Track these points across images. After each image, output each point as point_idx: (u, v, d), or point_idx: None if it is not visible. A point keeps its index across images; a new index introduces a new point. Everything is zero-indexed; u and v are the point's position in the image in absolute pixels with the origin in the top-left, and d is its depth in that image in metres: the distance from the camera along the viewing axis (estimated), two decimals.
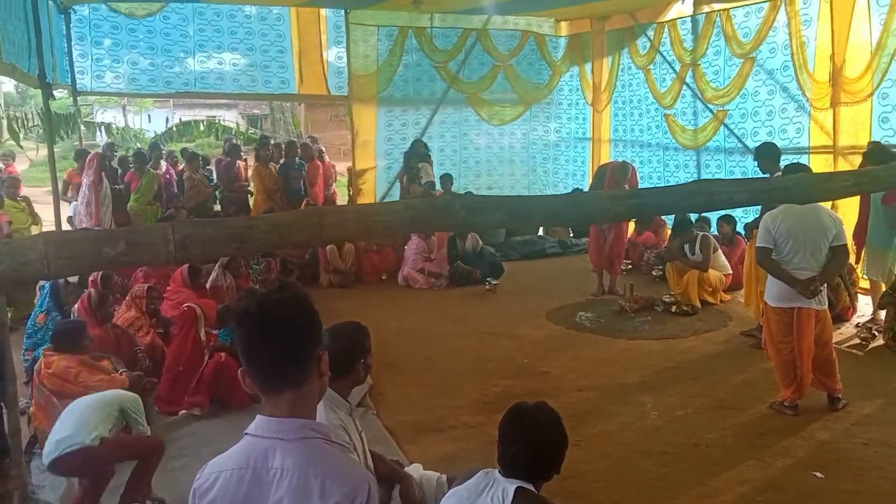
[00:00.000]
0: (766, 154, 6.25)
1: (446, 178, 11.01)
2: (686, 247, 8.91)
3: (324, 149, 13.15)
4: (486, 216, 1.72)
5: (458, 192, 11.06)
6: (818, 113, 8.66)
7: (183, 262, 4.68)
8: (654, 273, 9.68)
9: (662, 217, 10.48)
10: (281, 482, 1.65)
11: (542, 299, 8.84)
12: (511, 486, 2.32)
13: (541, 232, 12.49)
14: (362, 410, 5.64)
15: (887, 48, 7.57)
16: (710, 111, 10.31)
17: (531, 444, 2.38)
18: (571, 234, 12.19)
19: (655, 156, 11.52)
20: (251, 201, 11.54)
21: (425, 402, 5.81)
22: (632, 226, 10.37)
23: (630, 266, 9.93)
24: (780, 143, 8.71)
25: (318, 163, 12.12)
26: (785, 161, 6.15)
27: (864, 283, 7.91)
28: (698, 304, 8.48)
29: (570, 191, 12.44)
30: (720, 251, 8.93)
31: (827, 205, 7.36)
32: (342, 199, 13.43)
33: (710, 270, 8.66)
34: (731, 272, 8.75)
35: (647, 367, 6.55)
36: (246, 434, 1.71)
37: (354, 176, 11.82)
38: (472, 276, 9.85)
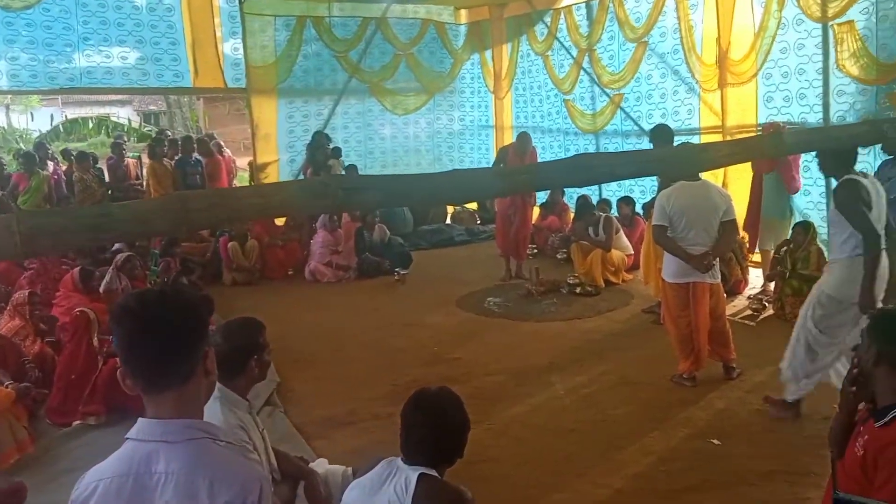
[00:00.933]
0: (660, 135, 6.35)
1: (351, 170, 10.90)
2: (590, 229, 9.13)
3: (223, 143, 12.77)
4: (365, 196, 1.67)
5: None
6: (707, 94, 8.99)
7: (29, 255, 4.36)
8: (558, 256, 9.85)
9: (565, 202, 10.70)
10: (166, 487, 1.58)
11: (452, 287, 8.88)
12: (414, 473, 2.30)
13: (448, 220, 12.55)
14: (270, 409, 5.53)
15: (768, 30, 7.91)
16: (607, 95, 10.56)
17: (433, 429, 2.34)
18: (479, 222, 12.28)
19: (556, 141, 11.72)
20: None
21: (336, 397, 5.75)
22: (536, 210, 10.50)
23: (536, 250, 10.05)
24: (673, 125, 9.00)
25: (219, 157, 11.79)
26: (678, 142, 6.33)
27: (756, 258, 8.22)
28: (602, 284, 8.70)
29: None
30: (622, 232, 9.15)
31: (718, 182, 7.75)
32: None
33: (613, 251, 8.88)
34: (632, 252, 9.00)
35: (554, 348, 6.66)
36: (127, 439, 1.63)
37: (256, 170, 11.54)
38: (380, 268, 9.81)
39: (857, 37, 7.15)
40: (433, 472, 2.33)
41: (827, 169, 4.80)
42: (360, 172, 11.03)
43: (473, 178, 2.38)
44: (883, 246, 4.52)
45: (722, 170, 8.53)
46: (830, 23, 7.40)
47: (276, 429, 5.04)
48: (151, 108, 33.58)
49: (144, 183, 11.21)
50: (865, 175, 4.65)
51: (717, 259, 5.52)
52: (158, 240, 9.54)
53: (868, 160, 7.25)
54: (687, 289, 5.49)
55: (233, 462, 1.65)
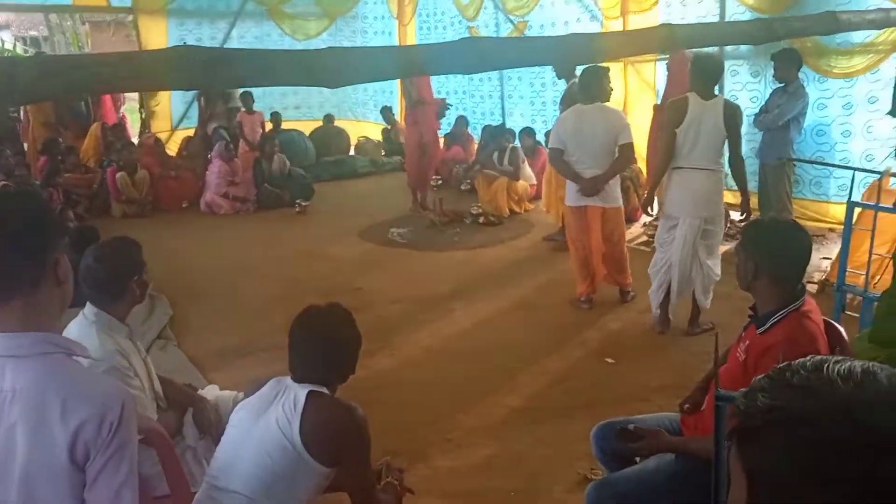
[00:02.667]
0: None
1: (246, 97, 10.49)
2: (495, 156, 9.14)
3: None
4: (228, 70, 1.52)
5: (261, 111, 10.62)
6: (609, 22, 9.00)
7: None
8: (462, 187, 9.87)
9: (469, 132, 10.64)
10: (13, 406, 1.44)
11: (355, 218, 8.79)
12: (303, 390, 2.22)
13: (352, 151, 12.31)
14: (163, 342, 5.37)
15: None
16: (512, 23, 10.44)
17: (321, 344, 2.25)
18: (383, 153, 12.10)
19: None
20: (28, 131, 10.30)
21: (233, 328, 5.62)
22: (441, 141, 10.40)
23: (440, 181, 10.02)
24: None
25: None
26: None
27: None
28: (507, 212, 8.76)
29: (379, 110, 12.26)
30: (526, 162, 9.18)
31: (620, 107, 7.81)
32: (134, 122, 12.40)
33: (518, 180, 8.89)
34: (535, 182, 9.06)
35: (457, 276, 6.71)
36: None
37: (146, 96, 10.93)
38: (280, 199, 9.56)
39: None
40: (324, 390, 2.26)
41: (696, 88, 4.93)
42: (257, 100, 10.66)
43: (356, 57, 2.24)
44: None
45: (622, 98, 8.62)
46: None
47: (170, 361, 4.89)
48: (32, 32, 31.15)
49: (22, 111, 10.38)
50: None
51: (617, 184, 5.58)
52: (40, 170, 9.00)
53: (759, 88, 7.46)
54: (584, 212, 5.56)
55: (90, 379, 1.53)
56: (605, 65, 5.50)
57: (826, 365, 0.82)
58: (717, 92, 5.05)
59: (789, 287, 2.43)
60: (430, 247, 7.74)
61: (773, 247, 2.46)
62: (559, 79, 7.45)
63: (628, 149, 5.48)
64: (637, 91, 8.65)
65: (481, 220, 8.45)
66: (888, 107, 6.38)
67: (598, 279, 5.73)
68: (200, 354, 5.17)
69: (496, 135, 9.42)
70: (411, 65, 2.04)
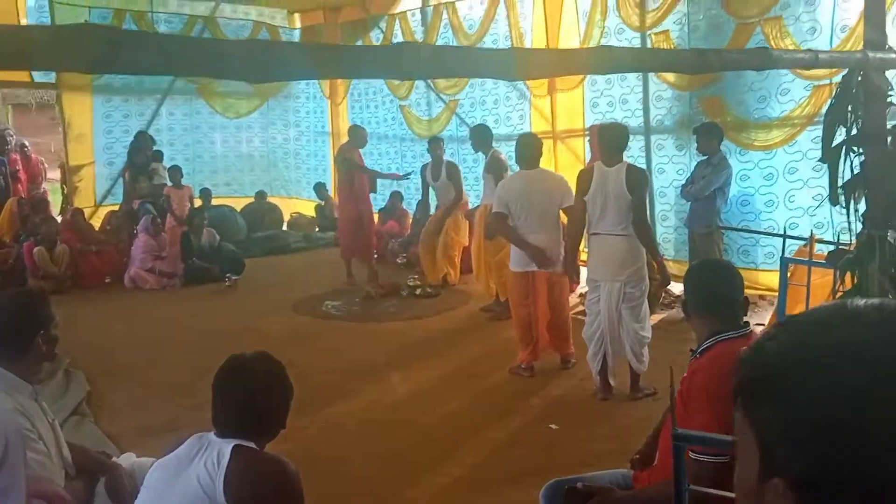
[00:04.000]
0: (478, 135, 7.29)
1: (175, 171, 10.25)
2: (429, 172, 8.74)
3: (27, 143, 11.53)
4: (135, 54, 1.38)
5: (190, 186, 10.42)
6: (538, 100, 9.23)
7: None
8: (398, 261, 9.82)
9: (404, 207, 10.72)
10: None
11: (288, 292, 8.55)
12: (227, 445, 2.01)
13: (284, 227, 12.14)
14: (78, 419, 4.99)
15: (592, 38, 8.24)
16: (443, 101, 10.62)
17: (248, 395, 2.09)
18: (317, 229, 11.95)
19: (393, 147, 11.65)
20: None
21: (156, 404, 5.30)
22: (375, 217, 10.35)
23: (376, 255, 9.88)
24: (505, 130, 9.33)
25: (16, 156, 10.60)
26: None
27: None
28: (450, 273, 8.67)
29: (312, 186, 12.21)
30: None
31: (553, 168, 7.91)
32: (56, 202, 11.96)
33: (452, 236, 8.67)
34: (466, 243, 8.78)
35: (393, 347, 6.56)
36: None
37: (69, 172, 10.58)
38: (209, 274, 9.25)
39: (672, 45, 7.57)
40: (251, 444, 2.05)
41: (601, 156, 5.14)
42: (187, 176, 10.48)
43: (278, 50, 2.13)
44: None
45: (552, 159, 8.72)
46: (648, 32, 7.80)
47: (85, 438, 4.51)
48: None
49: None
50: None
51: (561, 248, 5.55)
52: None
53: (685, 161, 7.69)
54: (527, 278, 5.52)
55: None
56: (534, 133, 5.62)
57: (848, 302, 0.69)
58: (624, 159, 5.15)
59: (718, 318, 2.46)
60: (366, 319, 7.57)
61: (695, 282, 2.63)
62: (476, 151, 7.60)
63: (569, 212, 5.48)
64: (568, 165, 8.81)
65: (418, 291, 8.35)
66: (807, 176, 6.64)
67: (541, 346, 5.66)
68: (120, 431, 4.84)
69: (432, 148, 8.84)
70: (336, 63, 1.94)
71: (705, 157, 6.84)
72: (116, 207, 10.35)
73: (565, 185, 5.55)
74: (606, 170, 4.92)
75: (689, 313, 2.61)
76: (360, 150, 8.78)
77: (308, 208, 12.51)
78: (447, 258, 8.70)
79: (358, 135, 8.77)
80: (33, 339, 2.38)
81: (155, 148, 10.46)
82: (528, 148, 5.57)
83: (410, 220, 10.40)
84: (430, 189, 8.63)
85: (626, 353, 4.99)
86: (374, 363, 6.10)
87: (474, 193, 9.35)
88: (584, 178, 4.99)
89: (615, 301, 4.90)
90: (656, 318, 6.62)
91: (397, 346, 6.59)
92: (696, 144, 6.90)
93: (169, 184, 10.11)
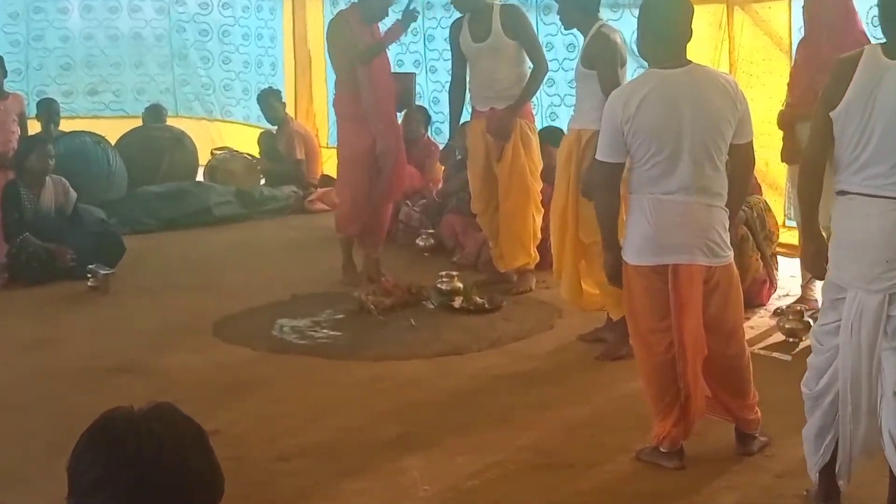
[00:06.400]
0: None
1: None
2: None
3: None
4: None
5: (20, 94, 7.34)
6: None
7: None
8: (419, 243, 6.61)
9: (431, 137, 7.32)
10: None
11: (208, 300, 5.98)
12: None
13: (200, 176, 8.43)
14: None
15: None
16: None
17: (138, 491, 1.35)
18: (263, 180, 8.35)
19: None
20: None
21: None
22: None
23: None
24: None
25: None
26: None
27: (789, 236, 5.57)
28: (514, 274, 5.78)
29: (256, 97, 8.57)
30: None
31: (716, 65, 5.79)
32: None
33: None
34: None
35: (408, 407, 4.69)
36: None
37: None
38: (55, 264, 6.24)
39: None
40: None
41: (567, 21, 4.58)
42: (14, 77, 7.43)
43: None
44: None
45: (717, 53, 6.09)
46: None
47: None
48: None
49: None
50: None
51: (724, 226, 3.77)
52: None
53: None
54: (663, 278, 3.69)
55: None
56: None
57: None
58: None
59: None
60: (357, 352, 5.31)
61: None
62: (567, 29, 5.34)
63: (748, 153, 3.72)
64: (755, 53, 5.89)
65: (458, 303, 5.53)
66: None
67: (695, 409, 3.84)
68: None
69: None
70: None
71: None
72: None
73: (743, 102, 3.67)
74: (889, 64, 3.04)
75: None
76: (376, 25, 5.83)
77: (245, 139, 8.88)
78: (524, 230, 5.70)
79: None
80: None
81: None
82: (669, 23, 3.64)
83: (440, 168, 7.02)
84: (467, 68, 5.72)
85: (883, 439, 3.18)
86: (373, 438, 4.35)
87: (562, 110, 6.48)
88: (840, 77, 3.13)
89: (869, 328, 3.09)
90: None
91: (415, 407, 4.72)
92: None
93: None
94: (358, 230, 6.02)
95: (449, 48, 5.80)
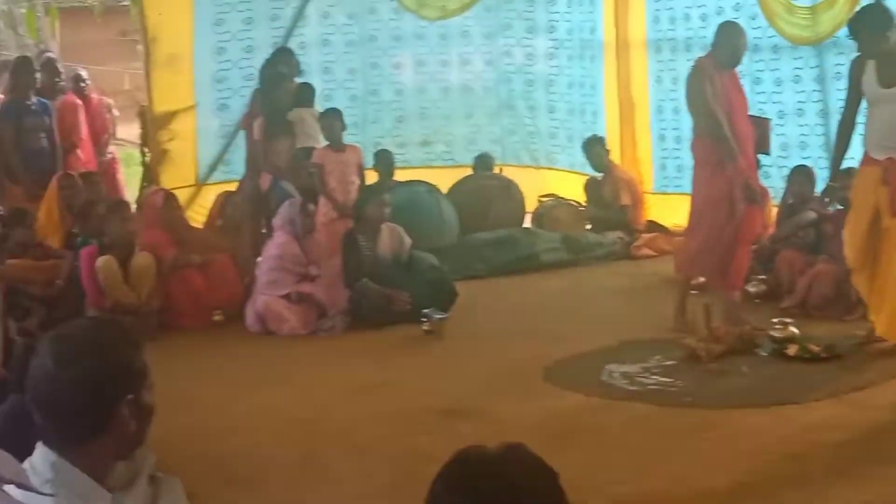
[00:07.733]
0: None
1: (332, 120, 6.74)
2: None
3: (84, 75, 8.48)
4: None
5: (358, 146, 7.21)
6: None
7: None
8: (750, 289, 6.24)
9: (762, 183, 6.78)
10: None
11: (537, 345, 5.98)
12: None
13: (527, 222, 8.32)
14: None
15: None
16: None
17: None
18: (589, 225, 8.24)
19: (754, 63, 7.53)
20: None
21: None
22: None
23: None
24: None
25: (74, 99, 7.55)
26: None
27: None
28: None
29: (581, 144, 8.31)
30: None
31: None
32: (132, 173, 9.18)
33: None
34: None
35: (743, 455, 4.44)
36: None
37: (153, 124, 7.39)
38: (392, 307, 6.30)
39: None
40: None
41: None
42: (353, 129, 7.30)
43: None
44: None
45: None
46: None
47: None
48: None
49: None
50: None
51: None
52: None
53: None
54: None
55: None
56: None
57: None
58: None
59: None
60: (695, 400, 5.22)
61: None
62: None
63: None
64: None
65: (792, 351, 5.47)
66: None
67: None
68: None
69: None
70: None
71: None
72: (233, 187, 7.35)
73: None
74: None
75: None
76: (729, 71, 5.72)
77: (570, 186, 8.64)
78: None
79: (728, 40, 5.68)
80: (114, 410, 1.57)
81: (299, 79, 7.12)
82: None
83: (773, 210, 6.59)
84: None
85: None
86: (705, 487, 4.09)
87: None
88: None
89: None
90: None
91: (749, 456, 4.45)
92: None
93: (322, 143, 6.90)
94: (699, 272, 5.95)
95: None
